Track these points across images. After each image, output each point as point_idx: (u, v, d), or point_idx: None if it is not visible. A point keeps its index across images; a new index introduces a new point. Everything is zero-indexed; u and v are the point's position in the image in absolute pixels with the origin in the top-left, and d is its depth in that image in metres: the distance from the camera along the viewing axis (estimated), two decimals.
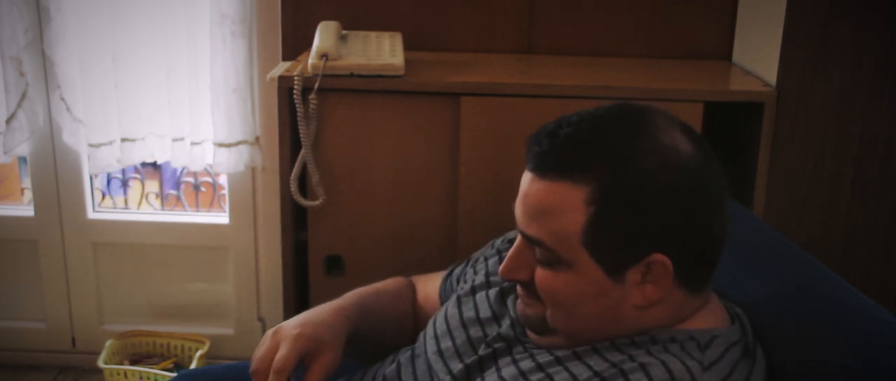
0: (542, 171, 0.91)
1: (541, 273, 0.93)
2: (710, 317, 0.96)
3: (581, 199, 0.88)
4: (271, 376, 0.99)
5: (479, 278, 1.15)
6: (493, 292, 1.10)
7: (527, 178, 0.93)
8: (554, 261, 0.91)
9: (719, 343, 0.91)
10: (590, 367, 0.89)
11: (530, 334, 1.00)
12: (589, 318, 0.92)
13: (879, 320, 0.96)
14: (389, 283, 1.29)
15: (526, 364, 0.96)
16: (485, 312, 1.08)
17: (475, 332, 1.07)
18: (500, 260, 1.16)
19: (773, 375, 0.96)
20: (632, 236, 0.88)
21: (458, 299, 1.14)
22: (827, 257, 1.57)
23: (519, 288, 0.98)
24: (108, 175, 2.33)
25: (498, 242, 1.21)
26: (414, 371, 1.09)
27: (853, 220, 1.59)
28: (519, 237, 0.95)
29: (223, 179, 2.25)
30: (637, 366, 0.86)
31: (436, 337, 1.09)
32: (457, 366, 1.03)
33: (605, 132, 0.90)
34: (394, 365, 1.12)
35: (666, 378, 0.84)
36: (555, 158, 0.90)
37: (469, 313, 1.10)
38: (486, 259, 1.19)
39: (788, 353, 0.97)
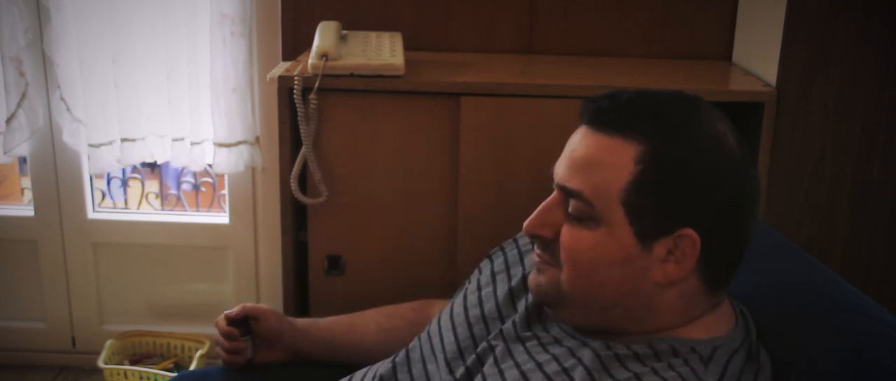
0: (597, 124, 0.92)
1: (568, 230, 0.92)
2: (716, 323, 0.95)
3: (631, 156, 0.89)
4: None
5: (485, 278, 1.15)
6: (501, 290, 1.10)
7: (578, 134, 0.95)
8: (586, 217, 0.90)
9: (721, 354, 0.91)
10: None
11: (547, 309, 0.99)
12: (607, 285, 0.91)
13: (879, 319, 0.97)
14: (408, 313, 1.33)
15: (528, 366, 0.94)
16: (491, 310, 1.08)
17: (479, 330, 1.06)
18: (506, 259, 1.16)
19: (774, 375, 0.96)
20: (671, 203, 0.89)
21: (465, 297, 1.13)
22: (827, 257, 1.57)
23: (535, 251, 0.97)
24: (108, 176, 2.33)
25: (504, 244, 1.21)
26: (409, 370, 1.09)
27: (853, 220, 1.59)
28: (553, 193, 0.95)
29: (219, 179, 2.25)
30: None
31: (440, 333, 1.09)
32: (458, 366, 1.02)
33: (663, 104, 0.93)
34: (390, 365, 1.11)
35: None
36: (613, 113, 0.92)
37: (474, 310, 1.09)
38: (490, 259, 1.19)
39: (788, 353, 0.97)
